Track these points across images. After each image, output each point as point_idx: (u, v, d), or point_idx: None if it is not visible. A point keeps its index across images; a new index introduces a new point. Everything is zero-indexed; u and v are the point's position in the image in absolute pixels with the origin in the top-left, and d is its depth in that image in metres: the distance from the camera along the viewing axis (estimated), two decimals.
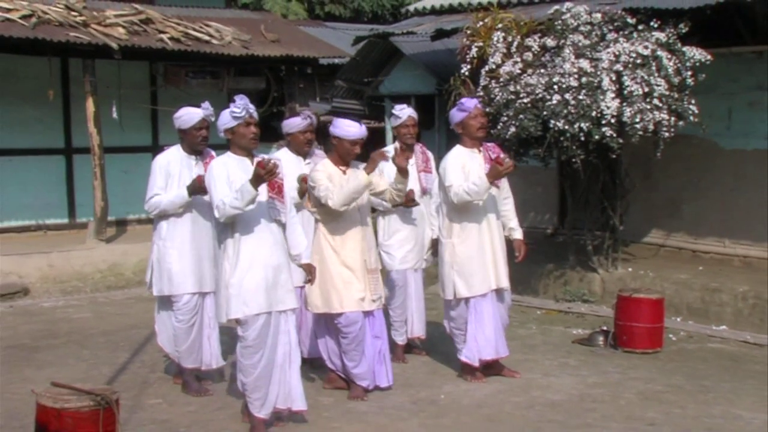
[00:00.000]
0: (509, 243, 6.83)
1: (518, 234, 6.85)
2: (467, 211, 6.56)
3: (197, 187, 6.18)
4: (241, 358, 5.50)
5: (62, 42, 10.55)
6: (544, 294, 9.69)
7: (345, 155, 6.22)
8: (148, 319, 8.55)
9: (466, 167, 6.55)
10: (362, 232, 6.28)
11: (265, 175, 5.21)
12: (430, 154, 7.56)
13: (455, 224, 6.63)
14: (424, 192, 7.36)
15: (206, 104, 6.39)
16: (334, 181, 6.10)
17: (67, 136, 12.26)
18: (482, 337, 6.61)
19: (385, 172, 7.24)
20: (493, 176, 6.36)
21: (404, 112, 7.32)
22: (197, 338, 6.43)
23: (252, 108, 5.50)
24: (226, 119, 5.47)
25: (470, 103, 6.66)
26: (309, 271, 5.81)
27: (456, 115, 6.69)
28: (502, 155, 6.59)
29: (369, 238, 6.35)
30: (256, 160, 5.49)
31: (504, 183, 6.77)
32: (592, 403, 6.21)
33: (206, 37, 12.00)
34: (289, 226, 5.66)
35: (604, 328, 7.99)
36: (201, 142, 6.40)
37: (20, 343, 7.97)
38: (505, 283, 6.69)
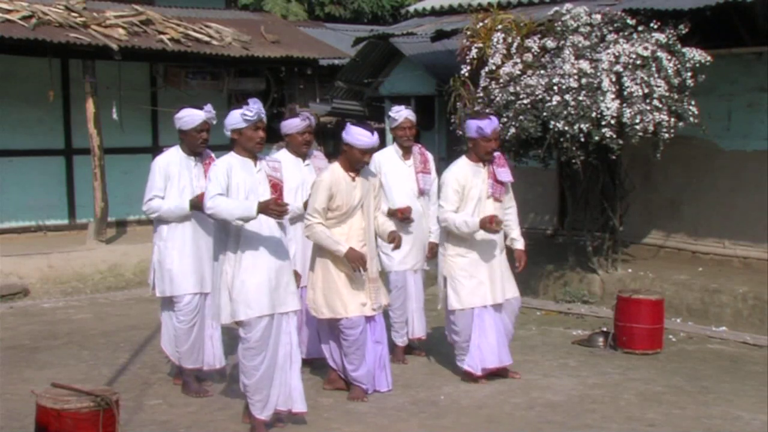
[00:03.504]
0: (510, 252, 6.82)
1: (519, 244, 6.82)
2: None
3: (200, 204, 6.19)
4: (243, 360, 5.50)
5: (62, 43, 10.56)
6: (544, 295, 9.69)
7: (354, 162, 6.17)
8: (148, 320, 8.58)
9: (466, 186, 6.53)
10: (366, 240, 6.25)
11: (273, 211, 5.25)
12: (429, 155, 7.55)
13: (451, 237, 6.64)
14: (422, 193, 7.35)
15: (208, 107, 6.39)
16: (336, 198, 6.07)
17: (68, 136, 12.27)
18: (486, 346, 6.62)
19: (383, 171, 7.26)
20: (482, 227, 6.39)
21: (400, 114, 7.30)
22: (198, 338, 6.44)
23: (264, 113, 5.49)
24: (235, 119, 5.45)
25: (489, 128, 6.53)
26: (296, 278, 5.80)
27: (471, 132, 6.60)
28: (506, 175, 6.61)
29: (371, 246, 6.30)
30: (259, 163, 5.50)
31: (508, 193, 6.76)
32: (591, 404, 6.21)
33: (206, 38, 12.01)
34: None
35: (604, 329, 7.99)
36: (201, 144, 6.40)
37: (20, 343, 7.97)
38: (507, 295, 6.68)
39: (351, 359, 6.26)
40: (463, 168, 6.62)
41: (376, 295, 6.27)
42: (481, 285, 6.57)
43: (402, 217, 7.10)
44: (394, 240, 6.34)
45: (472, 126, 6.59)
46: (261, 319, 5.44)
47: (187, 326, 6.38)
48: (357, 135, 6.09)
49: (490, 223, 6.33)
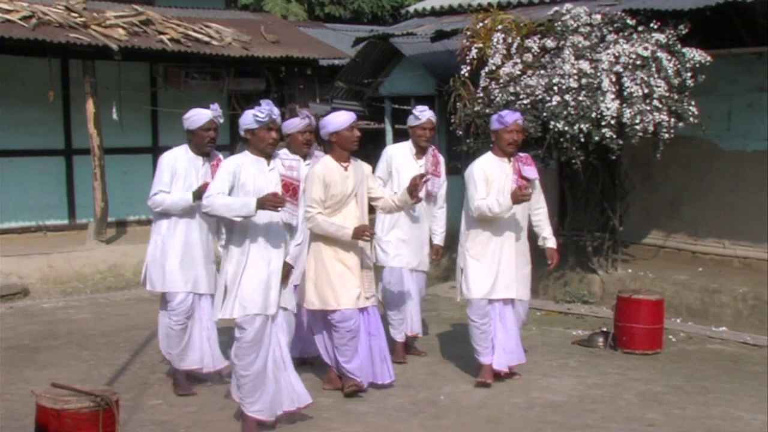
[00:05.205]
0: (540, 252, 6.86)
1: (551, 243, 6.83)
2: (484, 221, 6.56)
3: (202, 194, 6.19)
4: (236, 360, 5.50)
5: (62, 43, 10.56)
6: (544, 295, 9.69)
7: (349, 144, 6.24)
8: (148, 319, 8.58)
9: (490, 178, 6.55)
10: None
11: (271, 204, 5.25)
12: (441, 158, 7.55)
13: (471, 231, 6.66)
14: (429, 195, 7.34)
15: (215, 106, 6.42)
16: (331, 188, 6.13)
17: (68, 137, 12.27)
18: (510, 346, 6.65)
19: (394, 166, 7.28)
20: (514, 200, 6.41)
21: (424, 114, 7.34)
22: (191, 341, 6.43)
23: (276, 113, 5.50)
24: (248, 120, 5.47)
25: (510, 117, 6.58)
26: (285, 268, 5.70)
27: (493, 123, 6.68)
28: (531, 172, 6.62)
29: None
30: (273, 162, 5.51)
31: (536, 193, 6.73)
32: (591, 404, 6.21)
33: (206, 38, 12.00)
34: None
35: (604, 329, 8.00)
36: (208, 143, 6.42)
37: (20, 343, 7.97)
38: (513, 294, 6.66)
39: (343, 351, 6.26)
40: (488, 160, 6.65)
41: (369, 285, 6.32)
42: (493, 276, 6.56)
43: (417, 184, 7.06)
44: (420, 178, 6.25)
45: (494, 118, 6.69)
46: (255, 318, 5.45)
47: (180, 327, 6.36)
48: (334, 120, 6.26)
49: (520, 190, 6.37)
